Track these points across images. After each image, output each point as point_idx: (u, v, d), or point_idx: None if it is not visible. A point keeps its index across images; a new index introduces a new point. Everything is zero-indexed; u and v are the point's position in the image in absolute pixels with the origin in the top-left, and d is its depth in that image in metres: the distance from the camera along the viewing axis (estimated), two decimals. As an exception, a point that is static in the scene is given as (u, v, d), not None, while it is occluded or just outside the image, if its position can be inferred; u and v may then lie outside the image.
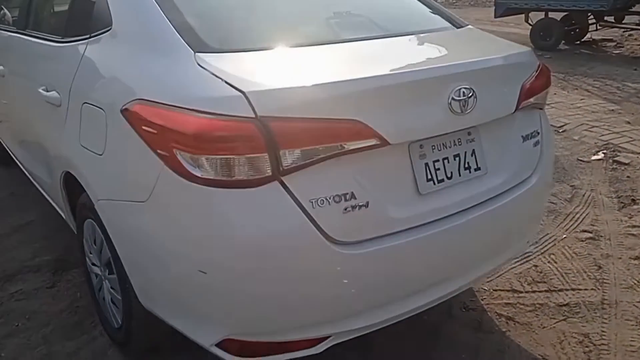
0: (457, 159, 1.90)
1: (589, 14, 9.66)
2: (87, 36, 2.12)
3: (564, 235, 3.20)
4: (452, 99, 1.76)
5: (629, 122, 5.41)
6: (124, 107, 1.72)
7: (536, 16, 9.93)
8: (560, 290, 2.71)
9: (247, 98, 1.51)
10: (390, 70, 1.75)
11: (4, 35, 3.14)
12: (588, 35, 10.37)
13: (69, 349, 2.34)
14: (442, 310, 2.54)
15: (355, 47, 1.99)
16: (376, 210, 1.68)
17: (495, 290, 2.72)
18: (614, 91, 6.79)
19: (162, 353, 2.26)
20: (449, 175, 1.87)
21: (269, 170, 1.52)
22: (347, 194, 1.62)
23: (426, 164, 1.82)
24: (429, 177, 1.82)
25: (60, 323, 2.51)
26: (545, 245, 3.11)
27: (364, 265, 1.68)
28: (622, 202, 3.66)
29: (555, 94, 6.48)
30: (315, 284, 1.64)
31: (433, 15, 2.48)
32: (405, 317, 1.90)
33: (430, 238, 1.79)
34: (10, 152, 3.55)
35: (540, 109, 2.24)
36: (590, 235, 3.21)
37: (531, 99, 2.08)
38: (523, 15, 10.18)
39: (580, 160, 4.43)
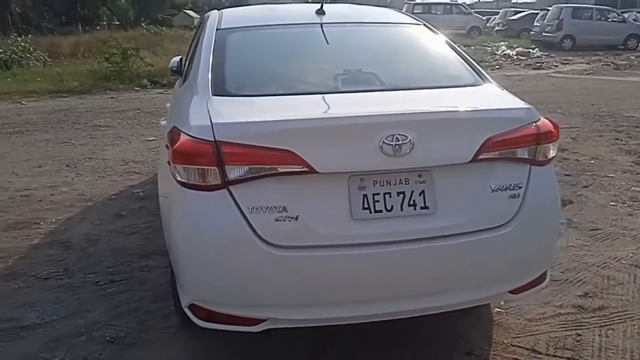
0: (400, 195, 2.17)
1: None
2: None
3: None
4: (384, 142, 2.08)
5: None
6: (168, 131, 2.50)
7: None
8: (587, 362, 2.57)
9: (212, 127, 2.12)
10: (327, 115, 2.17)
11: None
12: None
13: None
14: (446, 347, 2.68)
15: (336, 97, 2.44)
16: (305, 224, 2.09)
17: (514, 345, 2.70)
18: None
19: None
20: (388, 208, 2.16)
21: (219, 180, 2.09)
22: (280, 207, 2.08)
23: (364, 195, 2.15)
24: (366, 206, 2.14)
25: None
26: (612, 318, 2.91)
27: (290, 266, 2.10)
28: None
29: None
30: (248, 273, 2.13)
31: (458, 74, 2.74)
32: (341, 322, 2.23)
33: (357, 257, 2.11)
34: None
35: (535, 164, 2.32)
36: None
37: (497, 152, 2.22)
38: None
39: None
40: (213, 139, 2.08)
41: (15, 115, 8.93)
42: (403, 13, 3.53)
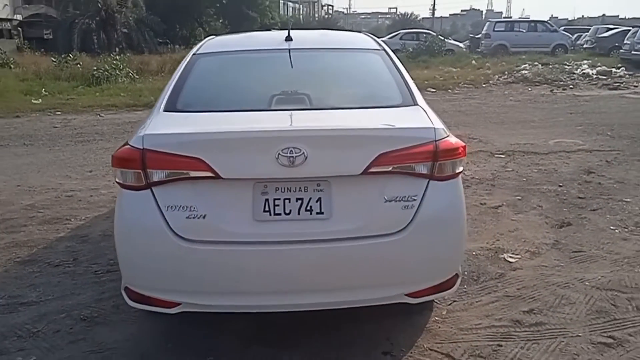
0: (299, 201, 2.45)
1: None
2: None
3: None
4: (280, 154, 2.38)
5: None
6: None
7: None
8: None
9: (142, 137, 2.51)
10: (233, 129, 2.50)
11: None
12: None
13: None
14: (369, 346, 2.89)
15: (262, 114, 2.78)
16: (211, 222, 2.43)
17: (432, 350, 2.86)
18: None
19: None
20: (287, 212, 2.45)
21: (143, 181, 2.48)
22: (191, 206, 2.44)
23: (266, 199, 2.45)
24: (266, 209, 2.45)
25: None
26: (544, 334, 2.98)
27: (198, 258, 2.44)
28: None
29: None
30: (163, 262, 2.49)
31: (388, 96, 2.97)
32: (243, 311, 2.55)
33: (257, 254, 2.44)
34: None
35: (434, 179, 2.51)
36: None
37: (389, 167, 2.44)
38: None
39: None
40: (142, 147, 2.48)
41: (90, 126, 9.94)
42: (374, 39, 3.77)
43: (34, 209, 5.27)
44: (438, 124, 2.65)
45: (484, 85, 15.58)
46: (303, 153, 2.38)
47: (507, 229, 4.56)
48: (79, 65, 17.50)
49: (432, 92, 14.25)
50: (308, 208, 2.46)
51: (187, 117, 2.80)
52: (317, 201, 2.46)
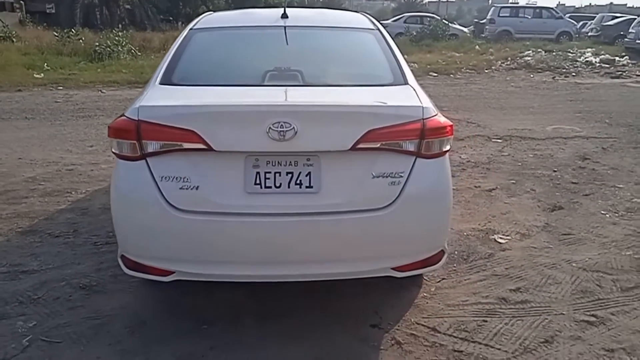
0: (289, 175, 2.53)
1: None
2: None
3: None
4: (270, 128, 2.44)
5: None
6: None
7: None
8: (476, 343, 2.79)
9: (138, 109, 2.58)
10: (226, 102, 2.57)
11: None
12: None
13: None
14: (358, 319, 2.98)
15: (254, 89, 2.84)
16: (204, 193, 2.50)
17: (418, 324, 2.95)
18: None
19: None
20: (277, 185, 2.53)
21: (138, 152, 2.55)
22: (184, 177, 2.51)
23: (257, 172, 2.53)
24: (257, 182, 2.52)
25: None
26: (528, 311, 3.07)
27: (191, 227, 2.52)
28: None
29: None
30: (158, 231, 2.57)
31: (380, 75, 3.03)
32: (236, 280, 2.63)
33: (247, 225, 2.51)
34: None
35: (421, 156, 2.58)
36: None
37: (377, 143, 2.51)
38: None
39: None
40: (137, 119, 2.54)
41: (92, 102, 9.97)
42: (369, 19, 3.81)
43: (35, 182, 5.35)
44: (427, 102, 2.71)
45: (486, 71, 15.56)
46: (293, 128, 2.44)
47: (500, 212, 4.63)
48: (81, 41, 17.48)
49: (434, 76, 14.24)
50: (298, 182, 2.53)
51: (182, 90, 2.86)
52: (306, 175, 2.53)
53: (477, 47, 21.37)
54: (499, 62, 17.12)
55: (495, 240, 4.04)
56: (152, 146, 2.53)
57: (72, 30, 18.77)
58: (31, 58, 14.76)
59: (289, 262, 2.62)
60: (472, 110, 9.36)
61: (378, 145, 2.53)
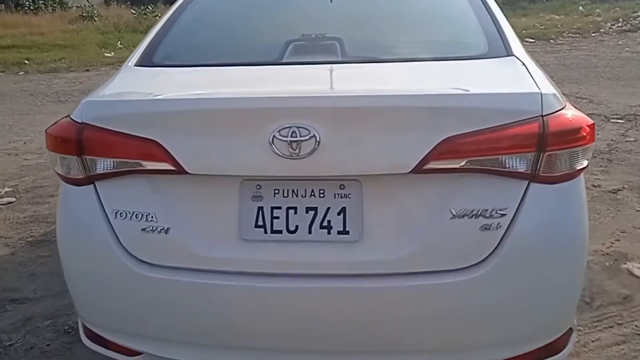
0: (311, 212, 1.55)
1: None
2: None
3: None
4: (275, 137, 1.47)
5: None
6: None
7: None
8: None
9: (82, 106, 1.69)
10: (204, 96, 1.61)
11: None
12: None
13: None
14: None
15: (264, 70, 1.89)
16: (178, 239, 1.59)
17: None
18: None
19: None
20: (291, 229, 1.56)
21: (82, 173, 1.66)
22: (148, 214, 1.60)
23: (260, 208, 1.57)
24: (260, 223, 1.57)
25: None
26: None
27: (159, 291, 1.63)
28: None
29: None
30: (115, 292, 1.70)
31: (468, 42, 1.95)
32: None
33: (243, 290, 1.57)
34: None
35: (537, 180, 1.52)
36: None
37: (461, 161, 1.47)
38: None
39: None
40: (80, 121, 1.66)
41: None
42: None
43: (66, 177, 4.77)
44: (547, 86, 1.62)
45: (593, 35, 13.67)
46: (313, 136, 1.47)
47: (632, 224, 3.45)
48: (157, 17, 17.20)
49: (531, 42, 12.66)
50: (325, 224, 1.55)
51: (159, 75, 1.97)
52: (339, 213, 1.55)
53: (580, 7, 19.12)
54: (608, 23, 15.04)
55: (630, 272, 2.89)
56: (101, 164, 1.65)
57: (149, 7, 18.58)
58: (107, 37, 14.64)
59: (309, 352, 1.65)
60: (580, 82, 7.94)
61: (462, 163, 1.50)
